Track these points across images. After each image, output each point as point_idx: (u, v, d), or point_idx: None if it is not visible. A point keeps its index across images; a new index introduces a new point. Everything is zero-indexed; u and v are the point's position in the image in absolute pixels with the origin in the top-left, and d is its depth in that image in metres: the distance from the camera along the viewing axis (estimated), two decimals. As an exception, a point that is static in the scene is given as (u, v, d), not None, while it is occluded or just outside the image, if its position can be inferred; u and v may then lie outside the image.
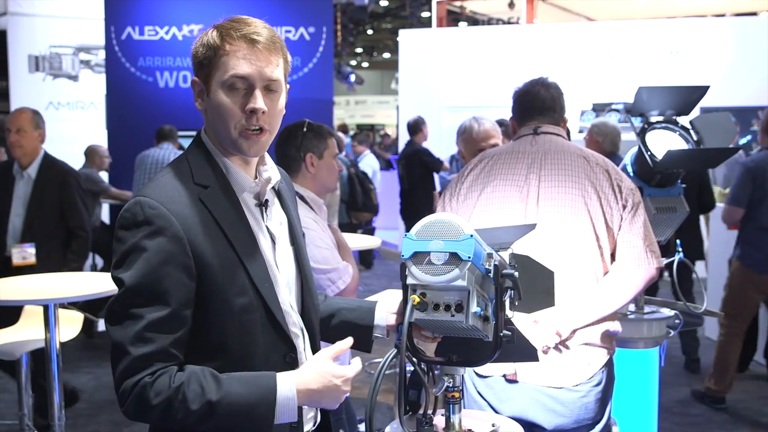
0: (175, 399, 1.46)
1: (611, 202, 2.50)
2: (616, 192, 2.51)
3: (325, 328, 1.87)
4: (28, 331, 4.13)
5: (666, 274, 3.61)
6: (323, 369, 1.57)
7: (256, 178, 1.69)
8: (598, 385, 2.50)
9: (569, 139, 2.76)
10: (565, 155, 2.58)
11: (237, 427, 1.52)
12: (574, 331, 2.45)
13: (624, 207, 2.50)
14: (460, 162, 6.68)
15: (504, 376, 2.49)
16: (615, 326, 2.56)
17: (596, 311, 2.46)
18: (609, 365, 2.57)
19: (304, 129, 2.84)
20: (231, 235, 1.58)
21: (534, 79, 2.76)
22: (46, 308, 3.66)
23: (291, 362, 1.65)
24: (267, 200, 1.71)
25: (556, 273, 2.41)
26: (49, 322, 3.67)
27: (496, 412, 2.49)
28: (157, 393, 1.46)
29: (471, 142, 3.65)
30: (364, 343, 1.86)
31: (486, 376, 2.53)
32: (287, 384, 1.54)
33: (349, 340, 1.67)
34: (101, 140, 7.77)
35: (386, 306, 1.89)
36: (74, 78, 8.96)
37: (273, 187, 1.75)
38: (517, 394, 2.49)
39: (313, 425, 1.78)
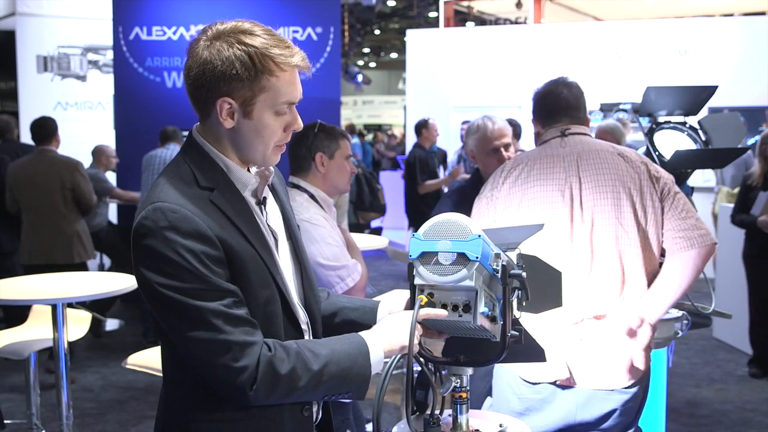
0: (298, 364, 1.52)
1: (653, 194, 2.51)
2: (654, 183, 2.52)
3: (327, 326, 1.87)
4: (36, 331, 4.15)
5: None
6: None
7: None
8: (642, 386, 2.54)
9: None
10: (600, 154, 2.57)
11: (343, 385, 1.58)
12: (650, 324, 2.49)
13: (663, 197, 2.52)
14: (468, 160, 6.66)
15: (554, 383, 2.50)
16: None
17: (669, 296, 2.48)
18: (650, 369, 2.60)
19: (316, 130, 2.87)
20: (246, 231, 1.59)
21: (554, 80, 2.71)
22: (54, 308, 3.67)
23: None
24: (265, 198, 1.72)
25: (607, 271, 2.45)
26: (57, 322, 3.69)
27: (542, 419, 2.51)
28: (282, 361, 1.51)
29: (485, 140, 3.62)
30: None
31: (535, 383, 2.53)
32: (370, 335, 1.63)
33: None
34: (109, 140, 7.79)
35: (388, 306, 1.88)
36: (82, 78, 8.99)
37: (267, 184, 1.75)
38: (565, 399, 2.50)
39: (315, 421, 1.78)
